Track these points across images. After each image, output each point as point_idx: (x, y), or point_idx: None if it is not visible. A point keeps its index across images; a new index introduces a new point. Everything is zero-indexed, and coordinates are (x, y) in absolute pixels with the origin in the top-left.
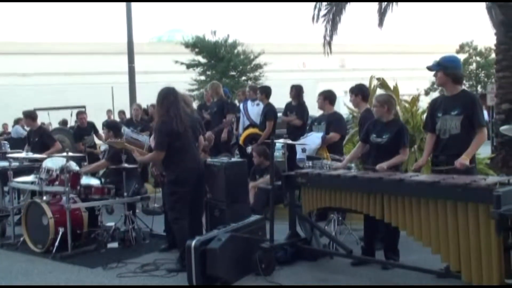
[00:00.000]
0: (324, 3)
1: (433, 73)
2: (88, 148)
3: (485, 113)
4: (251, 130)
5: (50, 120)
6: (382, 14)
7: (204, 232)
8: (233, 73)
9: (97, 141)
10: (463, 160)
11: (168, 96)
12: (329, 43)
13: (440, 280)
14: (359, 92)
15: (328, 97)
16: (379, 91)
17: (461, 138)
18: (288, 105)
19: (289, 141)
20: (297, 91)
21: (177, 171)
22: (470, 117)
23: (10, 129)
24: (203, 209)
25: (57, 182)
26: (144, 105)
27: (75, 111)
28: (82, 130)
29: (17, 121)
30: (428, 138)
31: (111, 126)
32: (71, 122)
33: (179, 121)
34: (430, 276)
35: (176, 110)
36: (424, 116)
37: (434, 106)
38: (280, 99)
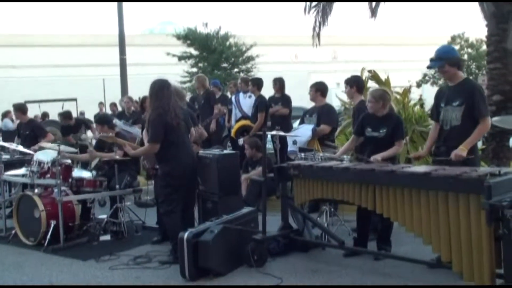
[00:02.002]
0: None
1: (425, 65)
2: (79, 141)
3: None
4: (243, 122)
5: (41, 112)
6: (374, 7)
7: (196, 224)
8: (225, 65)
9: (90, 134)
10: (460, 151)
11: (162, 88)
12: (318, 35)
13: (432, 271)
14: (354, 84)
15: (320, 89)
16: (371, 83)
17: (461, 130)
18: (272, 98)
19: (281, 133)
20: (281, 84)
21: (171, 163)
22: (471, 107)
23: None
24: (195, 202)
25: (48, 175)
26: (135, 97)
27: (66, 104)
28: (68, 128)
29: (5, 114)
30: (433, 128)
31: (103, 121)
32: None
33: (173, 114)
34: (422, 267)
35: (171, 103)
36: (416, 108)
37: (438, 96)
38: (272, 91)
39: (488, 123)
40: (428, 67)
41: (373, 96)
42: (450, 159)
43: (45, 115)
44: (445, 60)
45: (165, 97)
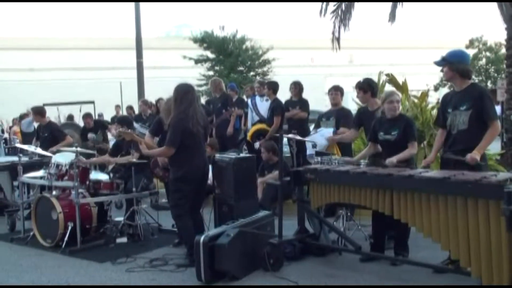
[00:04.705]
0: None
1: (441, 68)
2: (96, 145)
3: (498, 108)
4: (258, 126)
5: (59, 114)
6: (392, 9)
7: (207, 228)
8: (241, 68)
9: (109, 136)
10: (474, 154)
11: (187, 93)
12: (338, 39)
13: (449, 276)
14: (369, 89)
15: (342, 93)
16: (388, 87)
17: (468, 134)
18: (289, 101)
19: (298, 137)
20: (300, 87)
21: (184, 169)
22: (479, 111)
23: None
24: (201, 205)
25: (66, 177)
26: (152, 100)
27: (84, 107)
28: (88, 130)
29: (22, 117)
30: (438, 134)
31: (124, 121)
32: (80, 117)
33: (195, 121)
34: (439, 273)
35: (194, 109)
36: (434, 112)
37: (445, 102)
38: (288, 95)
39: (498, 126)
40: (434, 62)
41: (396, 100)
42: (464, 159)
43: (71, 117)
44: (447, 62)
45: (189, 102)
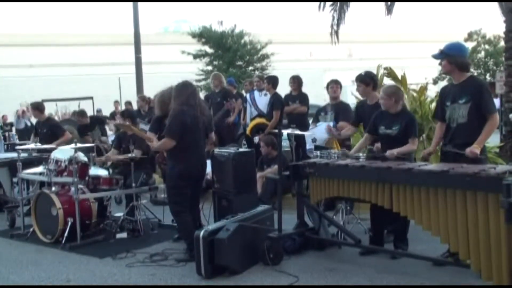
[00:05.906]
0: None
1: (439, 61)
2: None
3: (497, 101)
4: (258, 120)
5: (57, 110)
6: (390, 5)
7: (205, 221)
8: (240, 63)
9: (109, 132)
10: (474, 148)
11: (185, 86)
12: (337, 32)
13: (449, 270)
14: (370, 82)
15: (341, 87)
16: (387, 80)
17: (468, 127)
18: (289, 96)
19: (298, 131)
20: (299, 81)
21: (181, 166)
22: (478, 104)
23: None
24: (199, 200)
25: (65, 173)
26: (151, 96)
27: (82, 102)
28: (84, 127)
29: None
30: (438, 127)
31: (127, 115)
32: None
33: (199, 110)
34: (439, 266)
35: (198, 100)
36: (433, 105)
37: (443, 95)
38: (287, 89)
39: (497, 119)
40: (432, 56)
41: (386, 93)
42: (462, 153)
43: (75, 113)
44: (445, 55)
45: (190, 93)
